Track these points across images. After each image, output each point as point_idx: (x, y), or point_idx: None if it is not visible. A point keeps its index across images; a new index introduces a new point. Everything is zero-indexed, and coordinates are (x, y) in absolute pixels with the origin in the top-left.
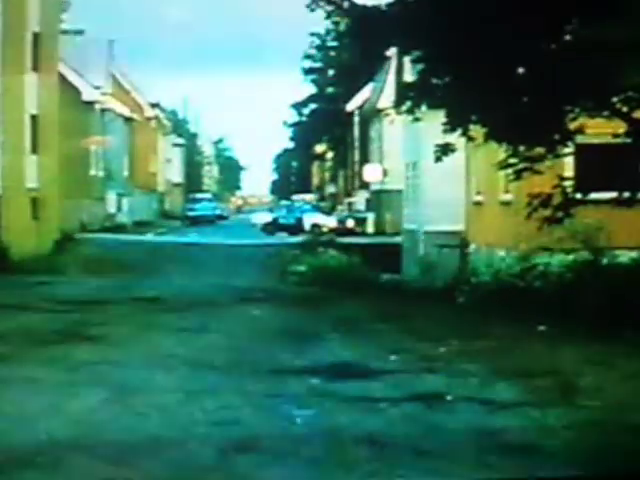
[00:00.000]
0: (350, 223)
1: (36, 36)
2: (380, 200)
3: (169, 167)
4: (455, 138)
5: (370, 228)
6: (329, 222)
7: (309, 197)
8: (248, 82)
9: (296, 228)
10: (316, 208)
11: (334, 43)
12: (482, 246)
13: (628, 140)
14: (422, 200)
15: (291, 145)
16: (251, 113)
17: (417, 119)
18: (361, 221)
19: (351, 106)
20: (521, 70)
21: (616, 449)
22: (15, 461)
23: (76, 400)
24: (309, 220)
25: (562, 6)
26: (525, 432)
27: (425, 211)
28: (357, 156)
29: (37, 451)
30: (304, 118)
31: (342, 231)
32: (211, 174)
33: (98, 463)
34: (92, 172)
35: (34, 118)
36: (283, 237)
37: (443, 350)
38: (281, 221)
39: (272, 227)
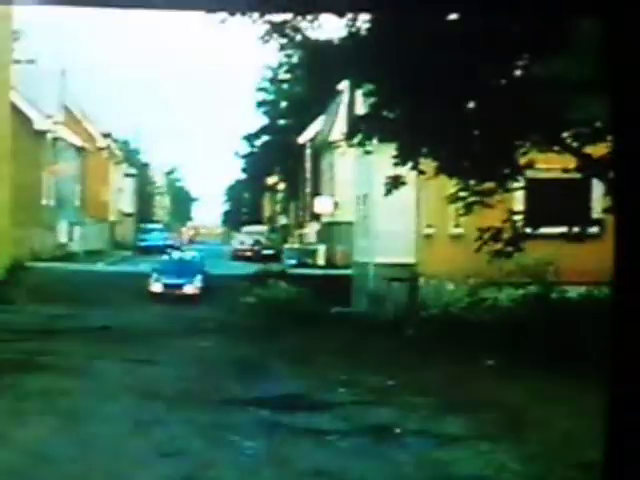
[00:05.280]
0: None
1: None
2: (331, 232)
3: (121, 197)
4: (406, 171)
5: (321, 260)
6: None
7: (261, 228)
8: (200, 113)
9: None
10: None
11: (287, 75)
12: (432, 279)
13: (578, 175)
14: (373, 232)
15: (243, 176)
16: (203, 144)
17: (368, 152)
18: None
19: (303, 138)
20: (472, 105)
21: None
22: None
23: (25, 429)
24: None
25: (513, 42)
26: (473, 465)
27: (376, 243)
28: (309, 188)
29: None
30: (256, 150)
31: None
32: (163, 204)
33: None
34: (44, 201)
35: None
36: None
37: (392, 383)
38: None
39: None
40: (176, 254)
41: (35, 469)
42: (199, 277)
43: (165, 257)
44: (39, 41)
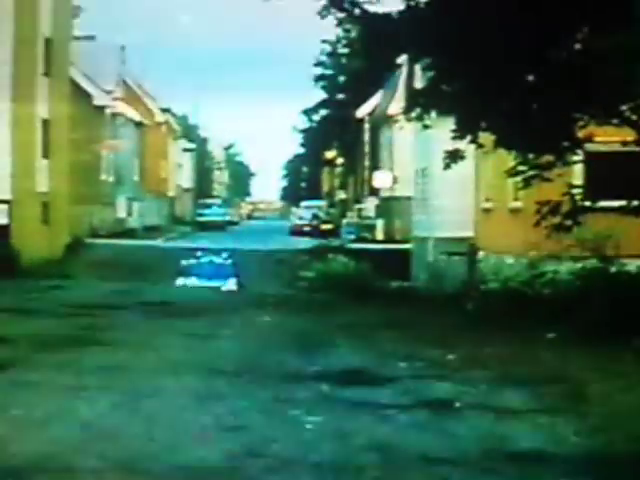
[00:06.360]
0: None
1: (48, 41)
2: (390, 207)
3: (179, 172)
4: (464, 145)
5: (379, 235)
6: None
7: (319, 203)
8: (259, 87)
9: None
10: None
11: (345, 50)
12: (491, 253)
13: (637, 148)
14: (431, 207)
15: (301, 151)
16: (262, 119)
17: (427, 126)
18: None
19: (361, 112)
20: (531, 78)
21: (624, 457)
22: (25, 466)
23: (86, 405)
24: None
25: (573, 14)
26: (533, 439)
27: (434, 218)
28: (367, 162)
29: (47, 456)
30: (314, 124)
31: None
32: (221, 179)
33: (108, 468)
34: (103, 177)
35: (45, 122)
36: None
37: (452, 357)
38: None
39: None
40: (207, 257)
41: (97, 444)
42: (234, 280)
43: (194, 260)
44: (99, 17)
